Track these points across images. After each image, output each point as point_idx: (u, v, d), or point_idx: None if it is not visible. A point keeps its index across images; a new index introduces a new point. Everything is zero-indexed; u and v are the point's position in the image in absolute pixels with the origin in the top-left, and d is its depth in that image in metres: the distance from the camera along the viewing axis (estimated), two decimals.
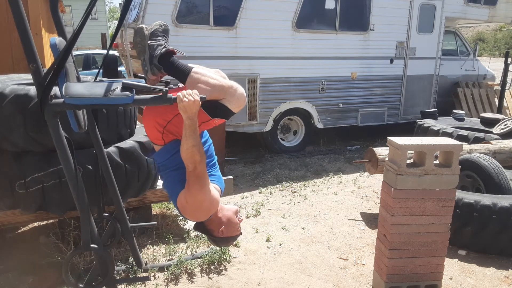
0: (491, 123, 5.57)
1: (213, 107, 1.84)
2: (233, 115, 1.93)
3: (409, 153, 2.55)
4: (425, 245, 2.62)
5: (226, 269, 3.00)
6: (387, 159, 2.72)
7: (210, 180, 1.89)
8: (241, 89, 1.89)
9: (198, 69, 1.88)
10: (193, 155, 1.71)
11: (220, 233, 1.95)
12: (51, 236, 3.09)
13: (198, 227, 2.01)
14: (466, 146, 4.20)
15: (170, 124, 1.90)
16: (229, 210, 2.01)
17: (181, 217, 3.82)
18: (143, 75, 2.11)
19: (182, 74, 1.87)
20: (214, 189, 1.87)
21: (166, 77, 2.00)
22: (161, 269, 2.91)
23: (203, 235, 3.42)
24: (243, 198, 4.52)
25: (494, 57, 19.99)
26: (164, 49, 1.91)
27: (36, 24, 4.42)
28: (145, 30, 1.94)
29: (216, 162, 2.11)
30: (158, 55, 1.89)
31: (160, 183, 3.40)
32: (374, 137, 7.03)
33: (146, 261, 2.95)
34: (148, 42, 1.92)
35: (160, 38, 1.94)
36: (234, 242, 2.12)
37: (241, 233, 2.09)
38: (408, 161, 2.55)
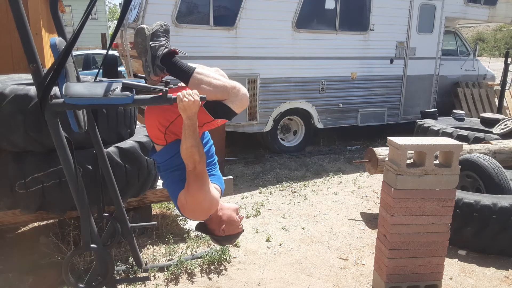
0: (491, 123, 5.57)
1: (216, 107, 1.84)
2: (235, 116, 1.93)
3: (409, 153, 2.55)
4: (425, 245, 2.62)
5: (226, 269, 3.00)
6: (387, 159, 2.72)
7: (210, 180, 1.89)
8: (244, 90, 1.89)
9: (201, 70, 1.87)
10: (193, 155, 1.72)
11: (222, 232, 1.96)
12: (51, 236, 3.09)
13: (200, 227, 2.01)
14: (466, 146, 4.20)
15: (173, 125, 1.90)
16: (229, 208, 2.01)
17: (181, 217, 3.82)
18: (143, 75, 2.11)
19: (185, 75, 1.86)
20: (214, 189, 1.87)
21: (167, 77, 2.00)
22: (161, 269, 2.91)
23: (203, 235, 3.43)
24: (243, 198, 4.52)
25: (494, 57, 19.99)
26: (166, 50, 1.90)
27: (36, 24, 4.42)
28: (146, 30, 1.93)
29: (217, 163, 2.11)
30: (160, 55, 1.88)
31: (160, 183, 3.40)
32: (374, 137, 7.03)
33: (146, 261, 2.95)
34: (150, 43, 1.91)
35: (162, 38, 1.93)
36: (237, 240, 2.12)
37: (243, 231, 2.09)
38: (408, 161, 2.55)
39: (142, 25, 1.97)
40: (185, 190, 1.80)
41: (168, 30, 2.00)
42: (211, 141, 2.12)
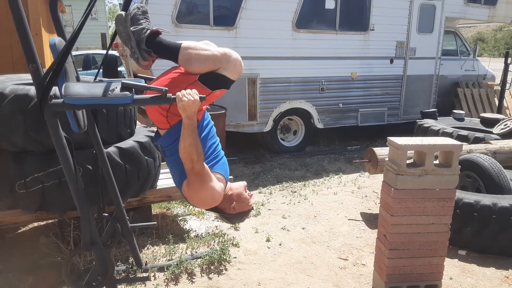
0: (491, 123, 5.57)
1: (211, 79, 1.84)
2: (232, 83, 1.90)
3: (409, 153, 2.55)
4: (425, 245, 2.62)
5: (226, 269, 3.00)
6: (387, 159, 2.72)
7: (213, 170, 1.88)
8: (235, 54, 1.88)
9: (187, 44, 1.86)
10: (191, 154, 1.71)
11: (232, 210, 1.95)
12: (51, 236, 3.09)
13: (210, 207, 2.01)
14: (466, 146, 4.20)
15: (174, 106, 1.85)
16: (238, 186, 2.01)
17: (181, 217, 3.82)
18: (143, 75, 2.11)
19: (173, 53, 1.85)
20: (217, 182, 1.85)
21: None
22: (161, 269, 2.91)
23: (203, 234, 3.43)
24: None
25: (494, 57, 19.98)
26: (148, 32, 1.88)
27: (36, 24, 4.42)
28: (125, 16, 1.90)
29: (219, 144, 2.08)
30: (144, 39, 1.87)
31: (160, 183, 3.40)
32: (374, 137, 7.03)
33: (146, 261, 2.95)
34: (131, 28, 1.88)
35: (142, 21, 1.90)
36: (246, 219, 2.12)
37: (252, 208, 2.07)
38: (408, 161, 2.55)
39: (119, 12, 1.93)
40: (187, 185, 1.80)
41: (146, 11, 1.95)
42: (212, 122, 2.08)
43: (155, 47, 1.89)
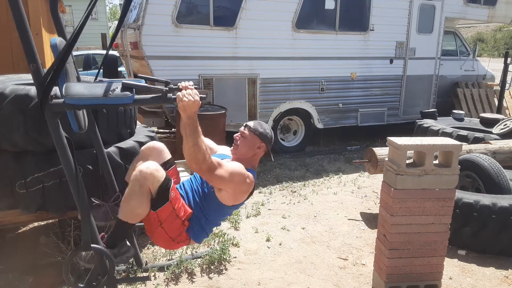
0: (491, 123, 5.58)
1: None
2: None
3: (409, 153, 2.55)
4: (425, 245, 2.62)
5: (226, 269, 3.00)
6: (387, 159, 2.73)
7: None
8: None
9: None
10: (196, 155, 1.72)
11: (263, 147, 2.22)
12: (51, 236, 3.09)
13: None
14: (466, 146, 4.20)
15: (181, 236, 2.12)
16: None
17: None
18: (144, 75, 2.11)
19: None
20: (229, 164, 1.98)
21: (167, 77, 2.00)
22: (161, 269, 2.91)
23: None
24: None
25: (493, 57, 19.99)
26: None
27: (36, 24, 4.41)
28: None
29: None
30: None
31: None
32: (374, 137, 7.04)
33: (146, 261, 2.96)
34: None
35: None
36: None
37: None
38: (407, 161, 2.55)
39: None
40: (216, 190, 1.95)
41: None
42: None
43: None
